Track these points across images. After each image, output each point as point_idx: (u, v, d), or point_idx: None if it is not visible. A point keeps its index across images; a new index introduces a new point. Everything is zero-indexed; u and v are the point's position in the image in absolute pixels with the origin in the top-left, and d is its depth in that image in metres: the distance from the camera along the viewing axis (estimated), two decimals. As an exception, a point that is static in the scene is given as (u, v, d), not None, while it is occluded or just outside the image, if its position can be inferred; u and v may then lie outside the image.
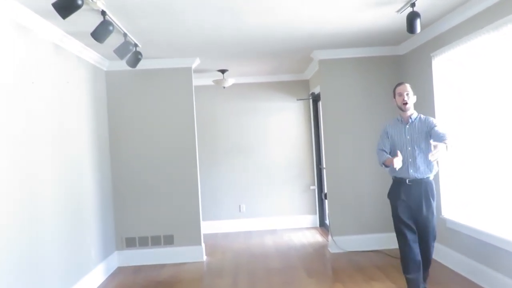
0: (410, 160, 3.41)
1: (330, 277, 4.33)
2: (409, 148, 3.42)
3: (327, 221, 6.03)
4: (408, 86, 3.46)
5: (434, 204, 3.41)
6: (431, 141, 3.20)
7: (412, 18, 3.37)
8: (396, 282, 3.97)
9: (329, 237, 5.30)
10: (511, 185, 3.30)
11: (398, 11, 3.63)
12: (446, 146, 3.07)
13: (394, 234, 5.18)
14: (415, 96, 3.49)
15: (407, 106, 3.42)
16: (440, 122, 3.54)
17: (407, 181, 3.43)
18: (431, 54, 4.31)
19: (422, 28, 3.75)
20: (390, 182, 5.16)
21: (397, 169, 3.27)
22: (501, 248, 3.40)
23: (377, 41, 4.84)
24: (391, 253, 4.90)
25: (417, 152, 3.39)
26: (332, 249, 5.21)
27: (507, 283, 3.33)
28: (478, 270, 3.76)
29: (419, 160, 3.38)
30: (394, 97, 3.51)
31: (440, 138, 3.16)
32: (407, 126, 3.46)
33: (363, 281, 4.07)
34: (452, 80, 4.05)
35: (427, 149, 3.32)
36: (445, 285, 3.83)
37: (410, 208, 3.43)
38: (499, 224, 3.46)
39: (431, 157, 3.00)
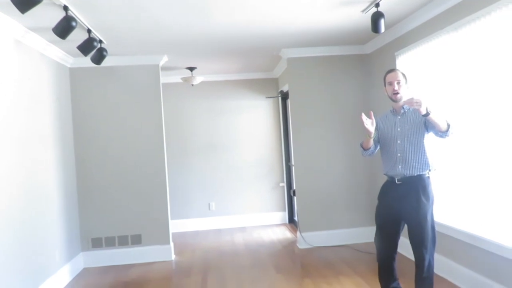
0: (399, 154, 3.05)
1: (299, 273, 4.38)
2: (399, 141, 3.06)
3: (296, 218, 6.09)
4: (399, 73, 3.09)
5: (428, 206, 2.96)
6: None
7: (376, 18, 3.44)
8: (364, 276, 4.06)
9: (298, 233, 5.36)
10: (478, 180, 3.34)
11: (363, 11, 3.70)
12: (427, 108, 2.71)
13: (361, 229, 5.35)
14: (409, 84, 3.15)
15: (398, 96, 3.04)
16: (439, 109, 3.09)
17: (396, 180, 3.07)
18: (395, 53, 4.43)
19: (386, 28, 3.86)
20: (359, 178, 5.33)
21: (369, 130, 2.97)
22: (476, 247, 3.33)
23: (344, 40, 4.92)
24: (359, 248, 5.01)
25: (407, 145, 3.02)
26: (301, 245, 5.28)
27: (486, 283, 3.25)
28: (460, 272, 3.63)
29: (410, 155, 3.01)
30: (385, 85, 3.13)
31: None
32: (399, 117, 3.10)
33: (331, 276, 4.15)
34: (415, 79, 4.17)
35: (420, 143, 3.00)
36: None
37: (395, 212, 3.07)
38: (476, 223, 3.36)
39: (408, 100, 2.69)
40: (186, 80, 5.97)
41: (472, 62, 3.25)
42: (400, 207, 3.05)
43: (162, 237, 5.10)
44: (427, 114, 2.75)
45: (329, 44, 5.09)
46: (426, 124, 2.97)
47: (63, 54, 4.58)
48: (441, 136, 2.93)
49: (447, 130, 2.85)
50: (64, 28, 3.11)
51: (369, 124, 3.02)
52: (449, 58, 3.55)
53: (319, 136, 5.29)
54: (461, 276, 3.56)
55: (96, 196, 4.99)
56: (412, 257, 3.08)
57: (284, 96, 6.62)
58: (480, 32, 3.12)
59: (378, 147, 3.29)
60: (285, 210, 6.96)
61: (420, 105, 2.68)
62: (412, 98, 2.72)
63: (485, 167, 3.18)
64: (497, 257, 3.06)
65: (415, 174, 3.00)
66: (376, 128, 3.20)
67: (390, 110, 3.21)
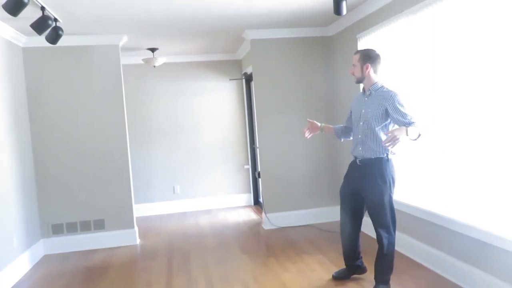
0: (359, 136, 3.12)
1: (263, 253, 4.45)
2: (361, 123, 3.12)
3: (261, 199, 6.16)
4: (357, 55, 3.13)
5: (384, 188, 3.02)
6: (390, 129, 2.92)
7: (338, 0, 3.46)
8: (327, 254, 4.17)
9: (263, 214, 5.43)
10: (440, 161, 3.40)
11: (325, -8, 3.71)
12: (407, 131, 2.75)
13: (324, 209, 5.48)
14: (368, 65, 3.09)
15: (354, 78, 3.18)
16: (404, 100, 3.03)
17: (357, 161, 3.15)
18: (357, 36, 4.49)
19: (348, 10, 3.89)
20: (322, 160, 5.43)
21: (307, 137, 3.39)
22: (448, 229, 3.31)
23: (307, 22, 4.93)
24: (322, 227, 5.14)
25: (368, 128, 3.06)
26: (266, 226, 5.35)
27: (456, 265, 3.24)
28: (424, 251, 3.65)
29: (370, 138, 3.06)
30: None
31: (399, 122, 2.88)
32: (366, 98, 3.15)
33: (295, 254, 4.24)
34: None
35: (379, 126, 3.04)
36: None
37: (357, 191, 3.18)
38: (441, 203, 3.39)
39: (385, 143, 2.76)
40: (147, 61, 5.82)
41: (430, 44, 3.34)
42: (360, 187, 3.16)
43: (126, 221, 5.03)
44: (407, 135, 2.80)
45: (292, 26, 5.09)
46: (388, 110, 2.98)
47: (15, 32, 4.35)
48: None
49: (415, 139, 2.87)
50: (15, 4, 2.94)
51: (314, 129, 3.40)
52: (408, 41, 3.63)
53: (283, 118, 5.32)
54: (422, 252, 3.72)
55: (56, 181, 4.84)
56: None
57: (248, 78, 6.60)
58: (437, 15, 3.21)
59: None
60: (250, 192, 7.01)
61: (398, 140, 2.74)
62: (387, 140, 2.76)
63: (447, 148, 3.27)
64: (462, 236, 3.15)
65: (373, 157, 3.06)
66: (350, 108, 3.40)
67: (363, 89, 3.28)
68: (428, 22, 3.33)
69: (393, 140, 2.74)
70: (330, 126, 3.54)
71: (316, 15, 4.60)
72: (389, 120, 3.04)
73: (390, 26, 3.87)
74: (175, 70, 6.67)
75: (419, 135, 2.85)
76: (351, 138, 3.42)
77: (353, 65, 3.15)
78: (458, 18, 3.00)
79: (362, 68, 3.11)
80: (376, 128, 3.04)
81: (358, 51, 3.20)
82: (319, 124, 3.35)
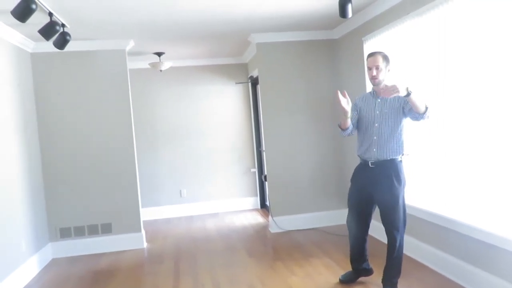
0: (375, 137, 3.09)
1: (270, 256, 4.44)
2: (376, 125, 3.10)
3: (267, 203, 6.15)
4: (379, 57, 3.05)
5: (400, 190, 3.02)
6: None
7: (344, 2, 3.45)
8: (333, 257, 4.16)
9: (270, 217, 5.42)
10: (449, 164, 3.37)
11: (331, -5, 3.72)
12: (407, 89, 2.71)
13: (331, 212, 5.46)
14: (389, 67, 3.12)
15: (377, 81, 3.07)
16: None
17: (369, 163, 3.12)
18: (363, 39, 4.48)
19: (354, 13, 3.89)
20: (328, 163, 5.42)
21: (345, 109, 2.99)
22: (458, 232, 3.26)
23: (312, 25, 4.94)
24: (329, 230, 5.12)
25: (384, 129, 3.06)
26: (273, 229, 5.34)
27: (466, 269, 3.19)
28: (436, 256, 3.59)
29: (386, 139, 3.06)
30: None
31: (413, 113, 2.91)
32: (378, 100, 3.12)
33: (301, 258, 4.22)
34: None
35: (396, 127, 3.05)
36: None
37: (368, 194, 3.16)
38: (452, 207, 3.34)
39: (384, 89, 2.74)
40: (154, 65, 5.85)
41: (436, 47, 3.33)
42: (373, 190, 3.13)
43: (133, 225, 5.05)
44: (409, 94, 2.74)
45: (298, 29, 5.09)
46: (404, 109, 3.01)
47: (24, 38, 4.40)
48: (417, 119, 2.95)
49: (424, 113, 2.87)
50: (23, 10, 2.98)
51: (345, 103, 3.03)
52: (414, 43, 3.62)
53: (289, 121, 5.33)
54: (428, 255, 3.69)
55: (64, 185, 4.87)
56: (382, 239, 3.18)
57: (254, 82, 6.61)
58: (443, 18, 3.20)
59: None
60: (256, 195, 7.01)
61: (398, 91, 2.69)
62: (386, 88, 2.73)
63: (453, 151, 3.26)
64: (469, 239, 3.13)
65: (388, 158, 3.05)
66: (355, 109, 3.25)
67: (370, 92, 3.26)
68: (434, 24, 3.32)
69: (393, 88, 2.69)
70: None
71: (322, 18, 4.60)
72: (404, 121, 3.06)
73: (396, 28, 3.86)
74: (181, 74, 6.71)
75: (427, 108, 2.85)
76: (349, 135, 3.33)
77: (376, 67, 3.04)
78: (464, 20, 2.99)
79: (386, 70, 3.09)
80: (396, 128, 3.05)
81: (377, 53, 3.10)
82: (348, 112, 3.07)
